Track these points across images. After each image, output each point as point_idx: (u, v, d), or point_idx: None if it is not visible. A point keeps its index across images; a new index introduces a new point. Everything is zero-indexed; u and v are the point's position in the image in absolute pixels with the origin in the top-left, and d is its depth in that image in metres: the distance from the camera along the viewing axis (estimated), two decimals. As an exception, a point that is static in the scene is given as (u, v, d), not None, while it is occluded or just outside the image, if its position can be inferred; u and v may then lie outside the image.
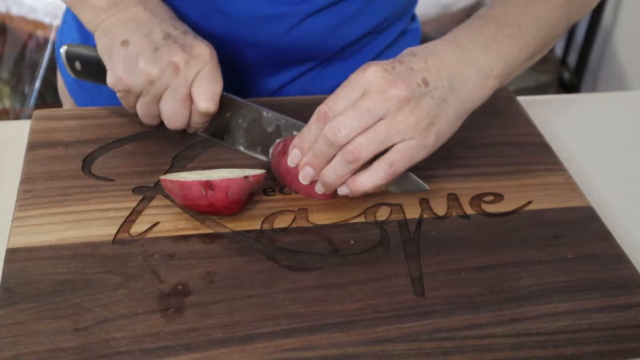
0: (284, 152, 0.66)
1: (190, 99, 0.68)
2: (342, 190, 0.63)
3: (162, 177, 0.64)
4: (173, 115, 0.69)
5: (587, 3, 0.76)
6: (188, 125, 0.71)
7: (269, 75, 0.83)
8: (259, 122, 0.70)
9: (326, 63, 0.83)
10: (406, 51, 0.65)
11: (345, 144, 0.60)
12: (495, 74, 0.65)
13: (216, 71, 0.68)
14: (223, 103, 0.70)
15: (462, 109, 0.64)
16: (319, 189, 0.64)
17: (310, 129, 0.63)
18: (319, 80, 0.84)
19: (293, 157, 0.64)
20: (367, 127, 0.60)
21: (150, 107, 0.69)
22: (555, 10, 0.71)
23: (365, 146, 0.60)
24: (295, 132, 0.68)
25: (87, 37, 0.87)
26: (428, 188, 0.66)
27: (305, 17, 0.77)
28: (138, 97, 0.69)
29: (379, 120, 0.60)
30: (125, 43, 0.67)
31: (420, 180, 0.66)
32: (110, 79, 0.68)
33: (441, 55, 0.63)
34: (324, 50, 0.81)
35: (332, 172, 0.62)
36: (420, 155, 0.62)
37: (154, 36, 0.67)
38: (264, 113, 0.70)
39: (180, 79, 0.67)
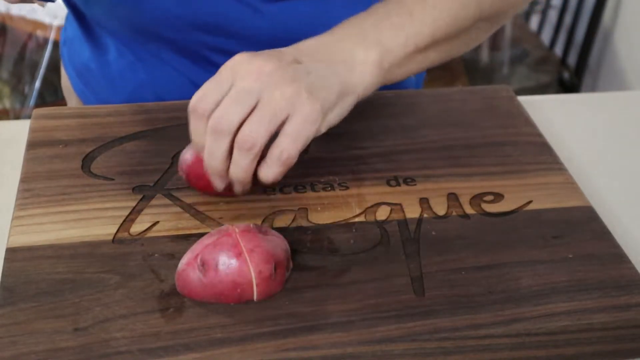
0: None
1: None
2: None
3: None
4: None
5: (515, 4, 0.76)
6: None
7: None
8: None
9: None
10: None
11: (236, 134, 0.58)
12: (371, 61, 0.64)
13: None
14: None
15: (345, 90, 0.62)
16: (237, 190, 0.62)
17: (197, 132, 0.60)
18: None
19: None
20: (249, 109, 0.58)
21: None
22: (464, 4, 0.69)
23: (255, 130, 0.58)
24: None
25: (90, 35, 0.87)
26: None
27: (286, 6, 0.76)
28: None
29: (258, 101, 0.59)
30: None
31: None
32: None
33: (312, 42, 0.64)
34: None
35: (238, 168, 0.59)
36: (310, 130, 0.59)
37: None
38: None
39: None
